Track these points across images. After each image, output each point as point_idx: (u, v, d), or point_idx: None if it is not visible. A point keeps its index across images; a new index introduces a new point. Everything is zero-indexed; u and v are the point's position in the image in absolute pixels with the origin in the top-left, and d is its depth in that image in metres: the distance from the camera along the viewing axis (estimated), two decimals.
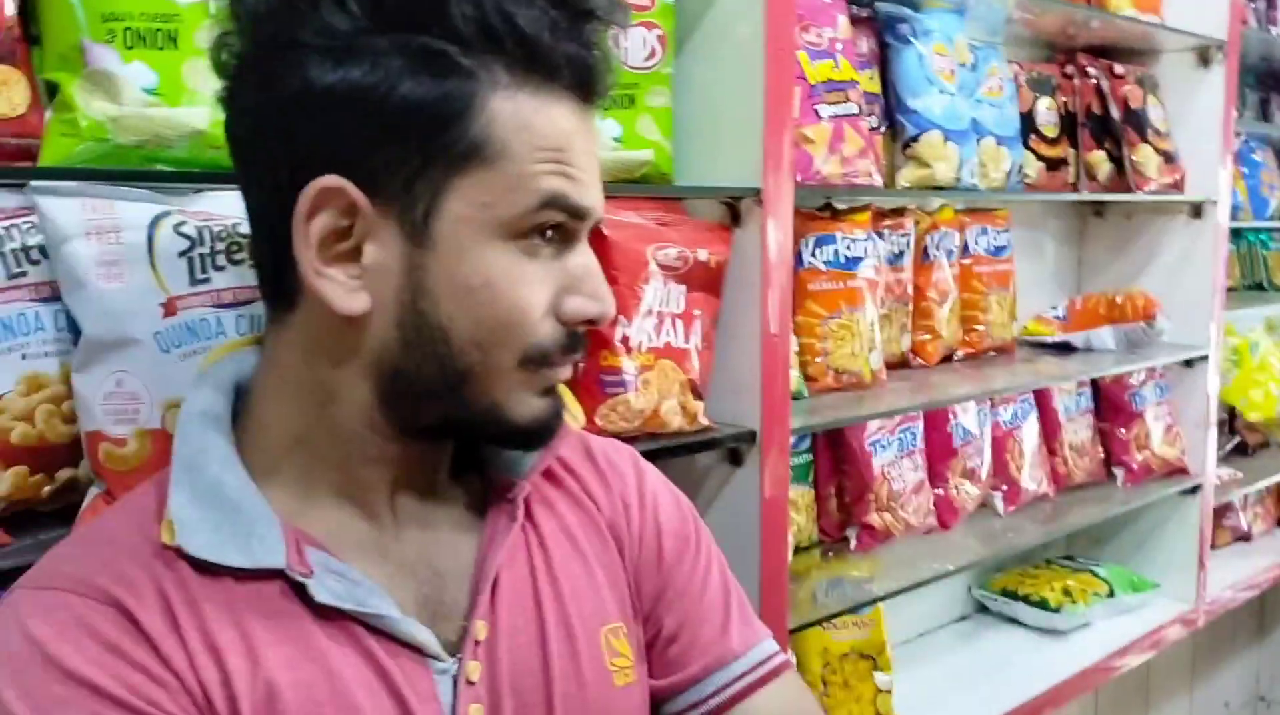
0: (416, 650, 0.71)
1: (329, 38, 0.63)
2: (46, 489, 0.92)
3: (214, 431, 0.72)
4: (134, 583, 0.65)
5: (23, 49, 0.93)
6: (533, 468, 0.80)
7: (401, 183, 0.65)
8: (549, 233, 0.69)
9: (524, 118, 0.66)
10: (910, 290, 1.86)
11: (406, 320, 0.68)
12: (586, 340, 0.75)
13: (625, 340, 1.24)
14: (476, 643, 0.73)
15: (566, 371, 0.74)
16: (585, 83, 0.69)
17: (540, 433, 0.75)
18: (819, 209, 1.64)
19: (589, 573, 0.82)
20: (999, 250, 2.03)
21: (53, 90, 0.92)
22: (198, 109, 0.93)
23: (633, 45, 1.30)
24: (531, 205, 0.67)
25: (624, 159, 1.30)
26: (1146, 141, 2.16)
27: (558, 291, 0.70)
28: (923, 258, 1.88)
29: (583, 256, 0.72)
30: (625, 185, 1.30)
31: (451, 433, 0.76)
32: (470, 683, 0.72)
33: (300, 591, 0.68)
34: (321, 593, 0.68)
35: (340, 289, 0.67)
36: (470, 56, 0.64)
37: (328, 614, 0.68)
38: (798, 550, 1.69)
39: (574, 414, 0.85)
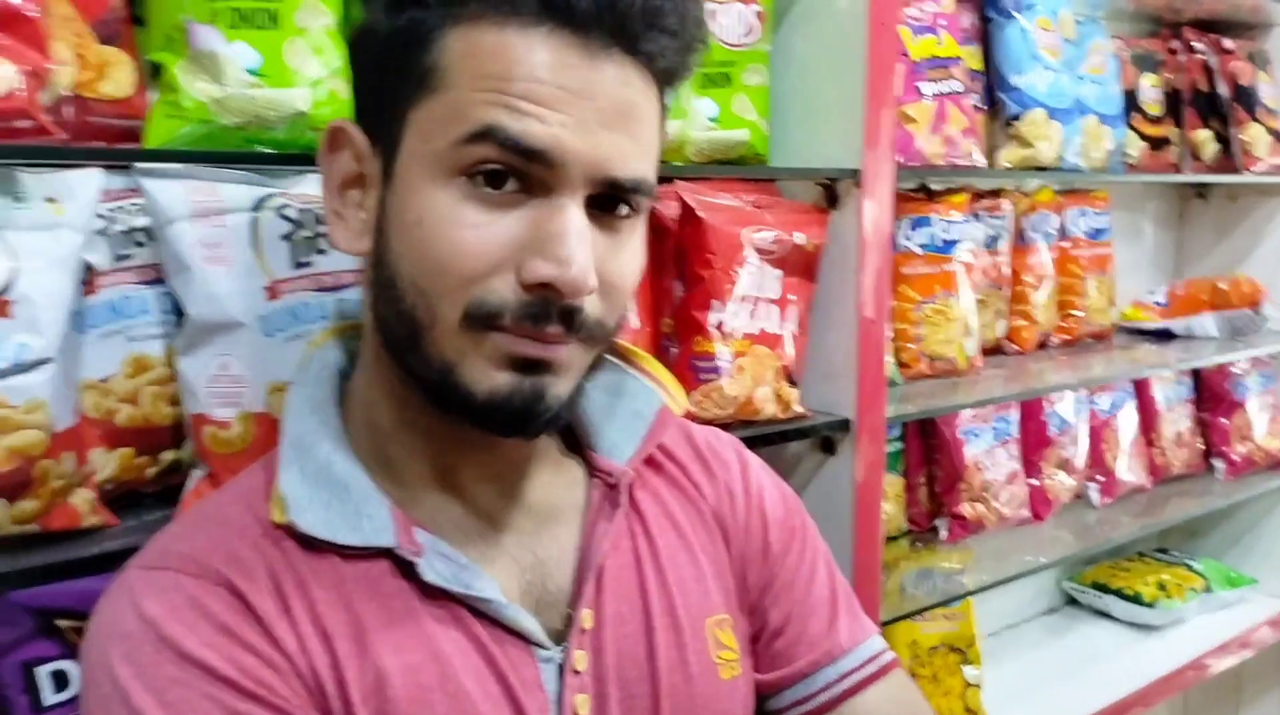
0: (521, 637, 0.69)
1: None
2: (150, 471, 0.92)
3: (323, 412, 0.71)
4: (245, 563, 0.65)
5: (128, 30, 0.93)
6: (636, 453, 0.78)
7: (384, 122, 0.66)
8: (504, 177, 0.62)
9: (473, 45, 0.62)
10: (1007, 274, 1.80)
11: (376, 258, 0.67)
12: (569, 312, 0.63)
13: (720, 326, 1.21)
14: (583, 631, 0.72)
15: (537, 348, 0.64)
16: (558, 7, 0.61)
17: (501, 413, 0.64)
18: (913, 190, 1.59)
19: (694, 562, 0.79)
20: (1098, 233, 1.96)
21: (156, 71, 0.92)
22: (299, 90, 0.92)
23: (730, 22, 1.26)
24: (460, 136, 0.61)
25: (720, 139, 1.27)
26: (1256, 120, 2.06)
27: (521, 248, 0.62)
28: (1019, 240, 1.82)
29: (557, 213, 0.62)
30: (721, 167, 1.27)
31: (447, 408, 0.67)
32: (576, 672, 0.71)
33: (407, 572, 0.67)
34: (429, 573, 0.67)
35: (349, 232, 0.68)
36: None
37: (434, 596, 0.67)
38: (886, 540, 1.65)
39: (677, 400, 0.82)
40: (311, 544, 0.66)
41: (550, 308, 0.63)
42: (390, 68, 0.65)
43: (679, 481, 0.82)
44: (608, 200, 0.65)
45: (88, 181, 0.83)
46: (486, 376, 0.64)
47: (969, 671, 1.67)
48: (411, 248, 0.63)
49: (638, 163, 0.65)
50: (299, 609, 0.65)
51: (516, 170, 0.62)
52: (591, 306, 0.65)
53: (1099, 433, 1.96)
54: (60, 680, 0.86)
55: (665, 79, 0.67)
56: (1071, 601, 2.22)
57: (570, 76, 0.61)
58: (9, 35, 0.78)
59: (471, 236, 0.62)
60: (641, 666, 0.74)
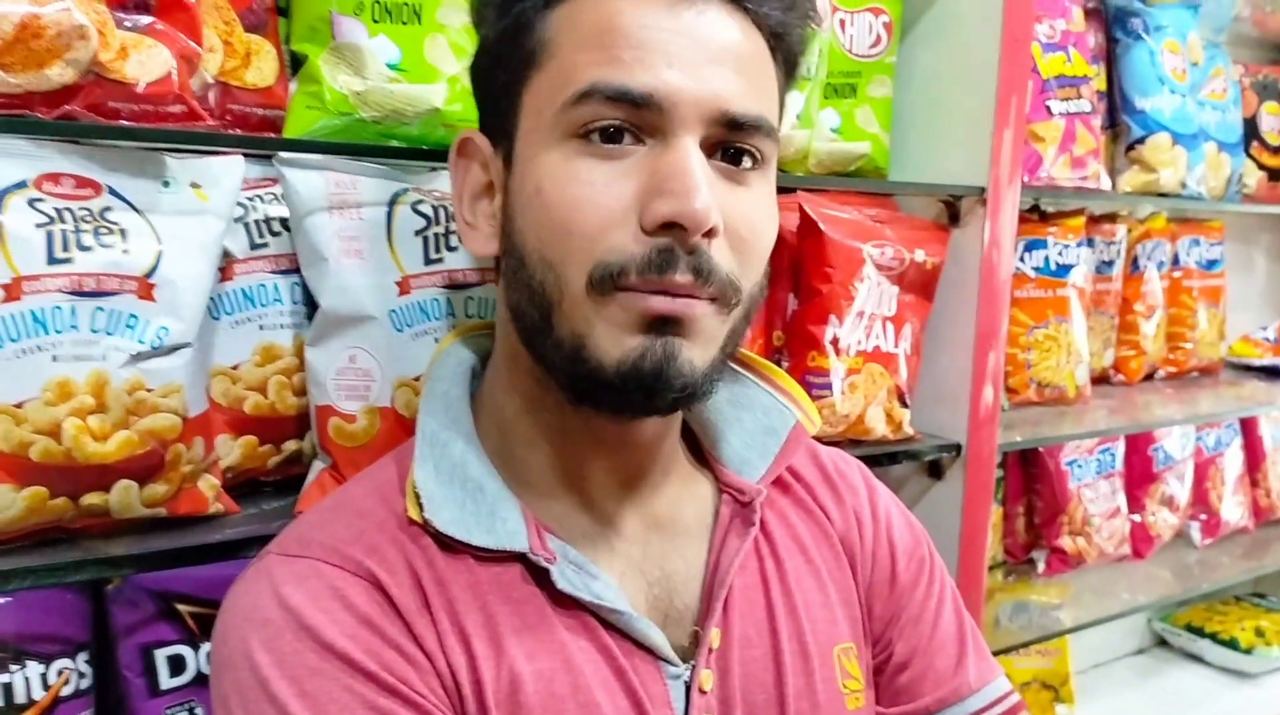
0: (649, 652, 0.68)
1: (478, 10, 0.69)
2: (272, 460, 0.92)
3: (455, 410, 0.70)
4: (386, 557, 0.64)
5: (273, 19, 0.93)
6: (769, 471, 0.76)
7: (502, 119, 0.66)
8: (619, 132, 0.61)
9: (574, 13, 0.62)
10: (1118, 302, 1.75)
11: (505, 247, 0.66)
12: (696, 257, 0.60)
13: (835, 341, 1.18)
14: (710, 650, 0.70)
15: (665, 302, 0.60)
16: None
17: (634, 379, 0.61)
18: (1027, 211, 1.55)
19: (821, 587, 0.77)
20: (1211, 263, 1.90)
21: (297, 62, 0.92)
22: (436, 86, 0.91)
23: (858, 32, 1.24)
24: (567, 99, 0.61)
25: (840, 151, 1.24)
26: None
27: (641, 195, 0.60)
28: (1131, 268, 1.77)
29: (672, 150, 0.60)
30: (844, 178, 1.25)
31: (578, 391, 0.65)
32: (703, 691, 0.69)
33: (539, 579, 0.66)
34: (562, 581, 0.65)
35: (479, 237, 0.69)
36: None
37: (565, 604, 0.66)
38: None
39: (812, 418, 0.80)
40: (447, 543, 0.65)
41: (676, 253, 0.60)
42: (502, 64, 0.65)
43: (806, 504, 0.80)
44: (730, 151, 0.63)
45: (232, 169, 0.84)
46: (617, 343, 0.61)
47: (1062, 710, 1.63)
48: (533, 217, 0.62)
49: (753, 101, 0.63)
50: (438, 606, 0.63)
51: (630, 124, 0.61)
52: (720, 255, 0.62)
53: (1203, 470, 1.89)
54: (177, 665, 0.87)
55: (775, 39, 0.66)
56: (1162, 643, 2.14)
57: (673, 19, 0.61)
58: (166, 20, 0.79)
59: (589, 192, 0.60)
60: (769, 691, 0.72)
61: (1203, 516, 1.89)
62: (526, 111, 0.64)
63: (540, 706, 0.63)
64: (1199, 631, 2.06)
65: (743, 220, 0.63)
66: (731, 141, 0.63)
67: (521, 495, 0.68)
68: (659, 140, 0.61)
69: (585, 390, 0.64)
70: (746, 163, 0.64)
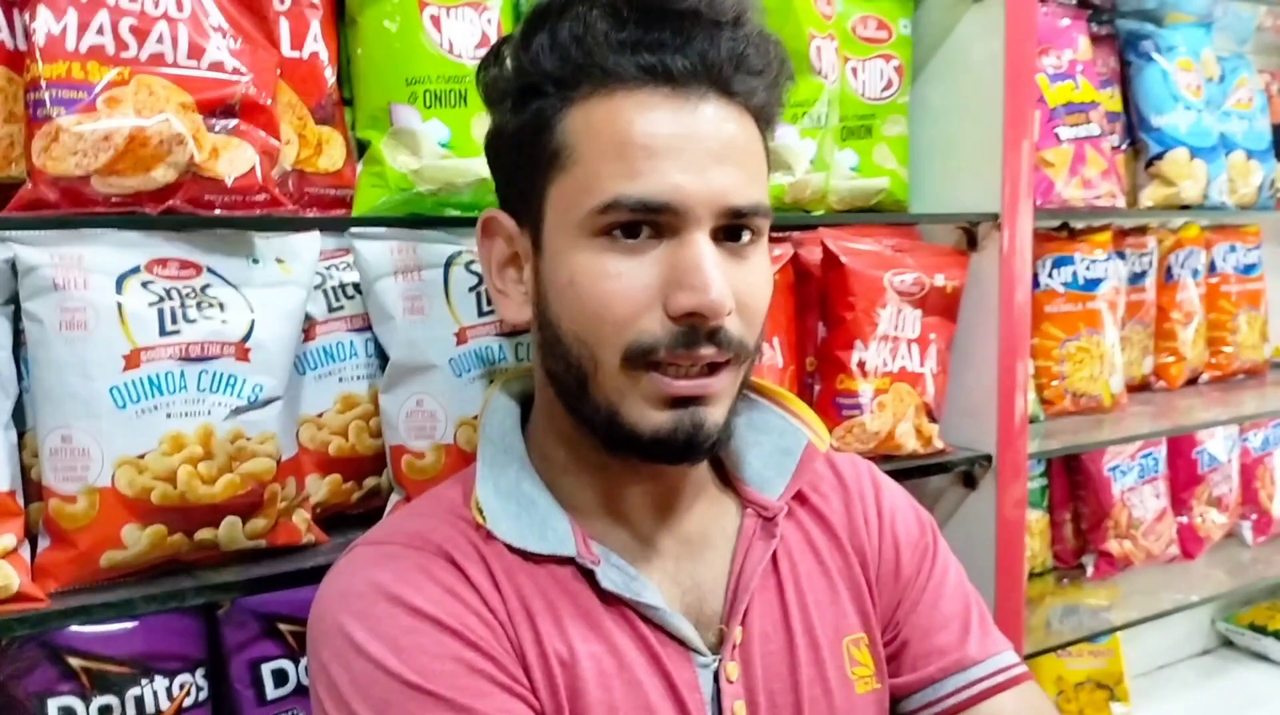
0: (681, 644, 0.78)
1: (489, 92, 0.79)
2: (355, 495, 1.05)
3: (508, 439, 0.82)
4: (460, 545, 0.76)
5: (339, 111, 1.06)
6: (787, 489, 0.85)
7: (526, 203, 0.75)
8: (638, 228, 0.70)
9: (590, 120, 0.71)
10: (1153, 311, 1.80)
11: (540, 322, 0.76)
12: (715, 333, 0.71)
13: (861, 364, 1.27)
14: (735, 645, 0.80)
15: (689, 386, 0.72)
16: (657, 69, 0.70)
17: (669, 447, 0.73)
18: (1055, 229, 1.62)
19: (831, 586, 0.86)
20: (1249, 268, 1.94)
21: (362, 147, 1.05)
22: (483, 159, 1.03)
23: (869, 78, 1.33)
24: (594, 208, 0.70)
25: (860, 187, 1.34)
26: None
27: (663, 286, 0.70)
28: (1166, 277, 1.82)
29: (688, 248, 0.70)
30: (863, 213, 1.34)
31: (615, 445, 0.75)
32: (730, 681, 0.79)
33: (587, 579, 0.77)
34: (605, 581, 0.76)
35: (513, 305, 0.79)
36: (558, 85, 0.73)
37: (610, 600, 0.77)
38: (1031, 576, 1.67)
39: (822, 437, 0.89)
40: (510, 546, 0.76)
41: (698, 333, 0.70)
42: (524, 155, 0.75)
43: (820, 510, 0.89)
44: (731, 230, 0.74)
45: (310, 244, 0.96)
46: (647, 416, 0.72)
47: (1117, 709, 1.67)
48: (568, 306, 0.73)
49: (751, 189, 0.73)
50: (507, 589, 0.74)
51: (648, 221, 0.71)
52: (733, 326, 0.73)
53: (1251, 470, 1.92)
54: (281, 677, 0.99)
55: (760, 115, 0.76)
56: (1227, 643, 2.15)
57: (678, 124, 0.71)
58: (249, 122, 0.92)
59: (617, 285, 0.71)
60: (785, 680, 0.81)
61: (1253, 516, 1.92)
62: (553, 206, 0.74)
63: (593, 681, 0.74)
64: (1263, 630, 2.07)
65: (748, 292, 0.74)
66: (734, 224, 0.74)
67: (569, 513, 0.79)
68: (674, 237, 0.71)
69: (624, 447, 0.75)
70: (745, 237, 0.75)
